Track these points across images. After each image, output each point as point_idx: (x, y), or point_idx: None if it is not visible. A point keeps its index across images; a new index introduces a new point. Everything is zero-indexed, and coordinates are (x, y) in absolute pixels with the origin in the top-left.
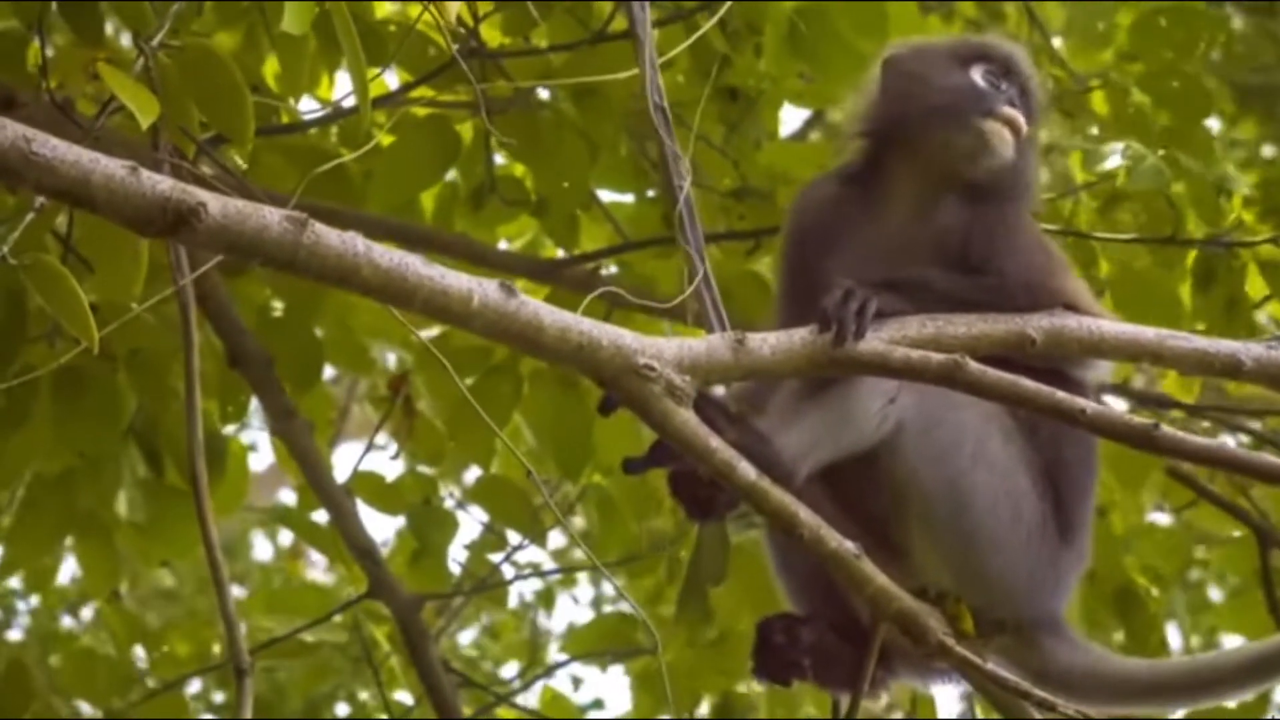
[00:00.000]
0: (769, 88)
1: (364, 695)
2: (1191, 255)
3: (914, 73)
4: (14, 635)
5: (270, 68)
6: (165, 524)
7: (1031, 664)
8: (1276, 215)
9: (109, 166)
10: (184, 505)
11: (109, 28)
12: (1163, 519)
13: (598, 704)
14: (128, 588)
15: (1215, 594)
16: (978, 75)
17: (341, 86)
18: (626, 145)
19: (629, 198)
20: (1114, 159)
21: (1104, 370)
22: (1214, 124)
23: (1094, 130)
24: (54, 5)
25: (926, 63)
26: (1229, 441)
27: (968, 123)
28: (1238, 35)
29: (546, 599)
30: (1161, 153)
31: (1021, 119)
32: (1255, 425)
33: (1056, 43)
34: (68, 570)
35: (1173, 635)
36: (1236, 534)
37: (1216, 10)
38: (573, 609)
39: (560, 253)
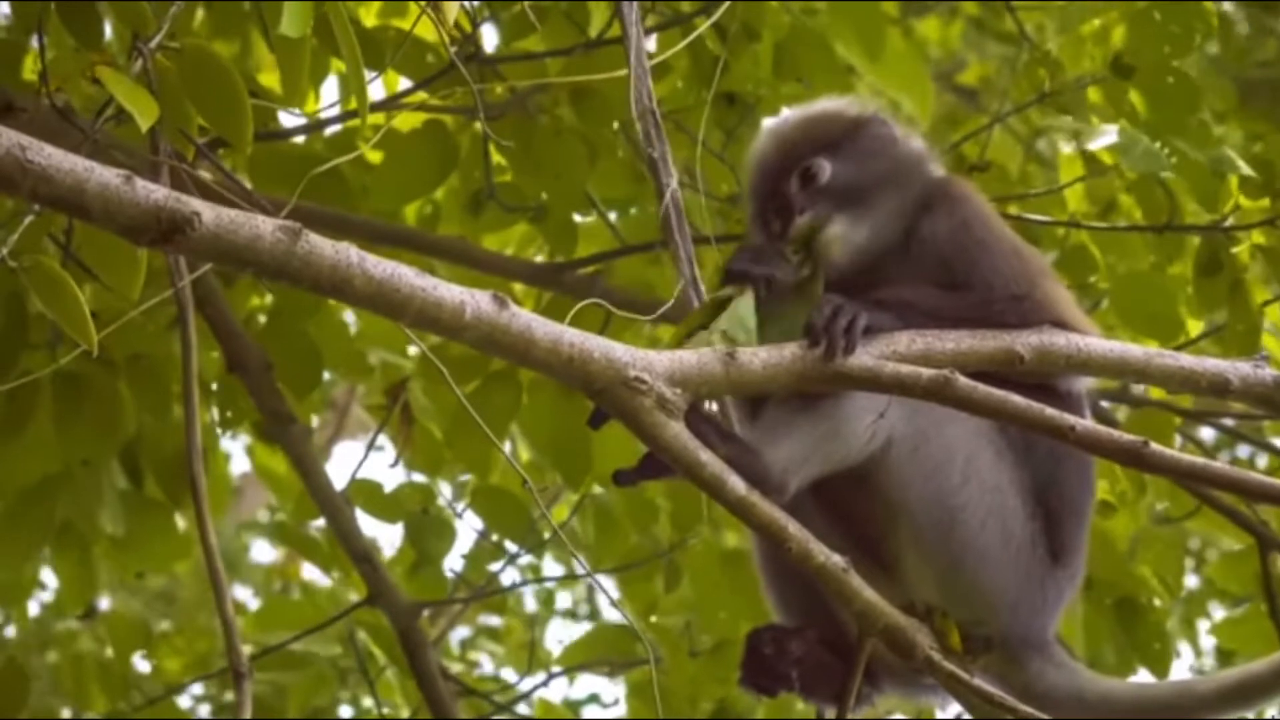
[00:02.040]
0: (767, 93)
1: (365, 703)
2: (1194, 244)
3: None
4: (11, 635)
5: (266, 74)
6: (143, 536)
7: (1016, 682)
8: (1272, 193)
9: (104, 175)
10: (162, 517)
11: (107, 31)
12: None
13: (594, 698)
14: (124, 593)
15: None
16: (771, 222)
17: (334, 91)
18: (624, 150)
19: (632, 204)
20: (1106, 139)
21: (1090, 382)
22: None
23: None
24: (52, 7)
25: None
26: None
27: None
28: (1238, 31)
29: (547, 604)
30: (1157, 143)
31: (797, 220)
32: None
33: (1052, 45)
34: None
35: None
36: (1238, 547)
37: (1209, 4)
38: (572, 612)
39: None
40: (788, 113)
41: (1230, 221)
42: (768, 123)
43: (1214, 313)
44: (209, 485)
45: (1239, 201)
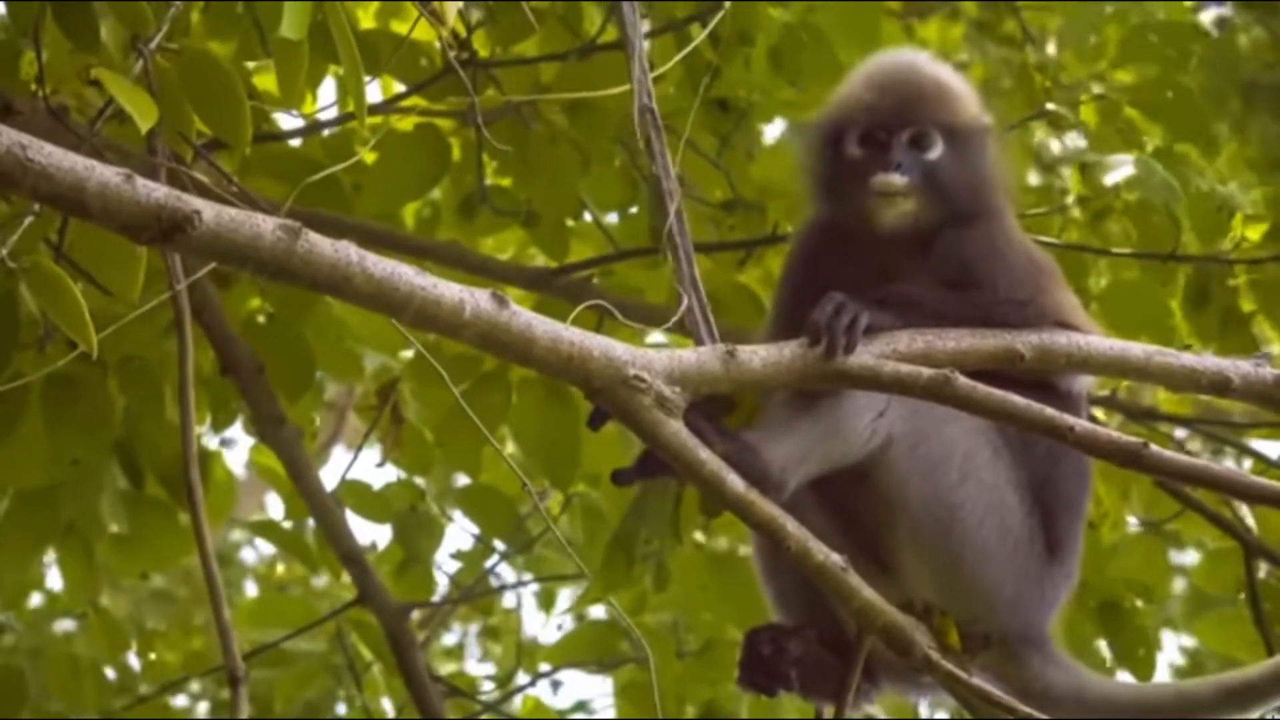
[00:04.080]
0: (760, 99)
1: (355, 702)
2: (1185, 273)
3: (804, 154)
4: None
5: (260, 76)
6: (145, 535)
7: (1015, 680)
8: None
9: (104, 174)
10: (164, 516)
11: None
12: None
13: (580, 706)
14: (119, 593)
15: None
16: (852, 145)
17: (329, 94)
18: (619, 156)
19: (626, 209)
20: (1122, 170)
21: (1090, 381)
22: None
23: (1083, 143)
24: (48, 8)
25: (808, 144)
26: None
27: (855, 206)
28: (1242, 34)
29: (546, 602)
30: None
31: (897, 180)
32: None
33: (1050, 50)
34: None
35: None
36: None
37: (1202, 22)
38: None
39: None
40: (935, 63)
41: (1232, 255)
42: (916, 54)
43: (1205, 344)
44: (212, 489)
45: (1243, 235)
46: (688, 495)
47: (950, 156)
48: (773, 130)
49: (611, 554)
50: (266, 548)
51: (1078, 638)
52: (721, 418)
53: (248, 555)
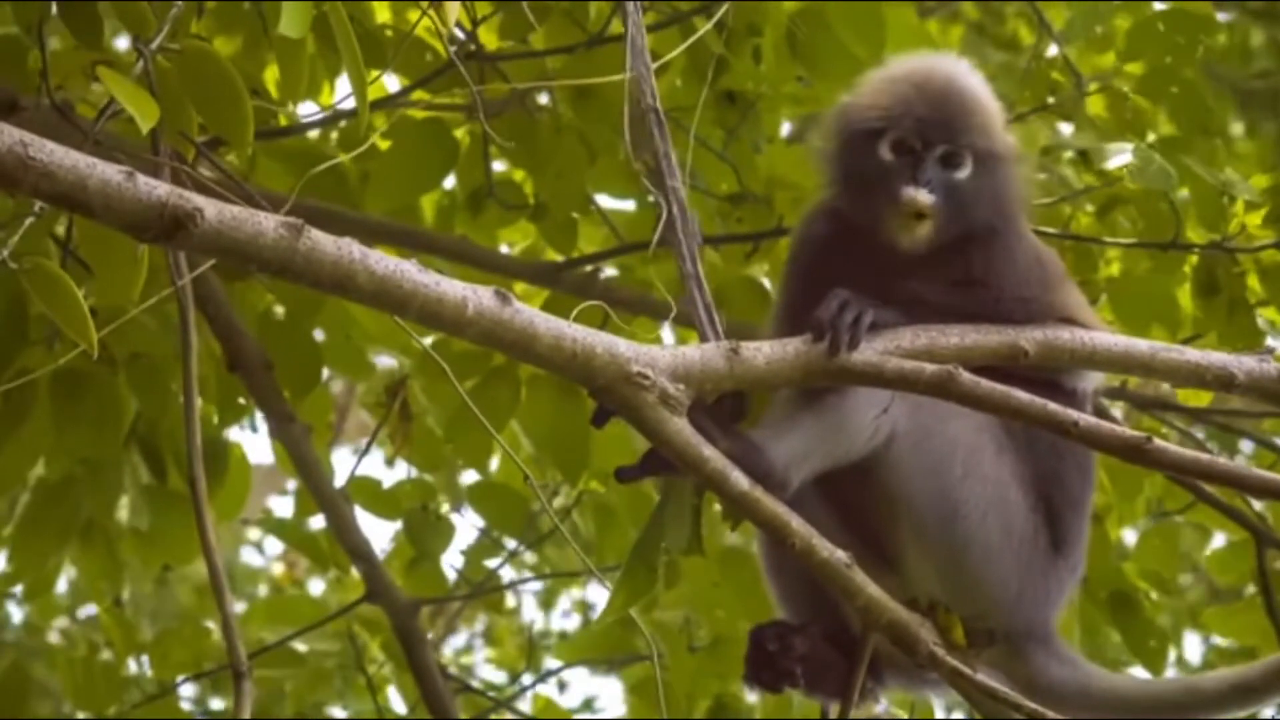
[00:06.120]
0: (767, 92)
1: (363, 705)
2: (1192, 260)
3: (833, 145)
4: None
5: (269, 73)
6: (168, 529)
7: (1020, 676)
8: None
9: (105, 172)
10: (187, 510)
11: (107, 30)
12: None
13: (588, 705)
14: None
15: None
16: (885, 149)
17: (340, 90)
18: (624, 149)
19: (628, 204)
20: (1121, 157)
21: (1098, 379)
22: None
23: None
24: (53, 7)
25: (841, 135)
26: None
27: (875, 209)
28: (1240, 39)
29: (547, 601)
30: (1161, 159)
31: (925, 198)
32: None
33: (1054, 49)
34: (63, 577)
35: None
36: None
37: (1213, 12)
38: (568, 613)
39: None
40: (976, 78)
41: (1235, 242)
42: (958, 64)
43: (1211, 330)
44: (228, 482)
45: (1244, 222)
46: (709, 502)
47: (975, 178)
48: (780, 123)
49: (632, 565)
50: (272, 551)
51: (1089, 630)
52: (734, 423)
53: (253, 558)
